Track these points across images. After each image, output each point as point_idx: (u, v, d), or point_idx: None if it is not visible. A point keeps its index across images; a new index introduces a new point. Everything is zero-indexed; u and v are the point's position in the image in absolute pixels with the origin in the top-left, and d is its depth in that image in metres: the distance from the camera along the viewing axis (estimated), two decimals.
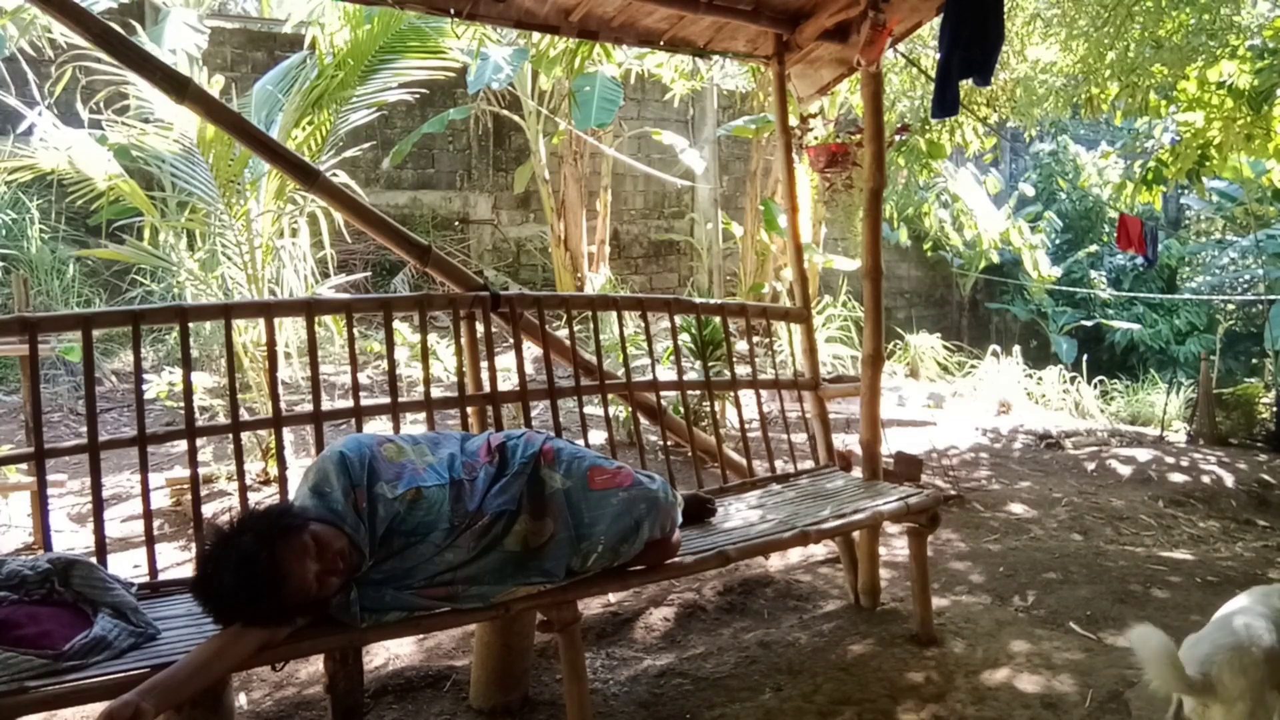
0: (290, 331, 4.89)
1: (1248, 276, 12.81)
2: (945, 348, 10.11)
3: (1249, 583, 2.94)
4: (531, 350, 3.47)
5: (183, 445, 2.92)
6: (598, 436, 5.13)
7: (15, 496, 4.22)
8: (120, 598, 1.97)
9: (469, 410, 2.85)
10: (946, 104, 3.14)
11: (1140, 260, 8.21)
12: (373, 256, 9.06)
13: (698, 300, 3.60)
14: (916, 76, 7.39)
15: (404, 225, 3.36)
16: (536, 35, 5.90)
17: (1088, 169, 14.19)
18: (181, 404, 2.55)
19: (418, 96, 5.11)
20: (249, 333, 4.66)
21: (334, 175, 3.74)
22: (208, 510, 4.05)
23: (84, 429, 2.35)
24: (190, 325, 2.45)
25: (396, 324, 3.68)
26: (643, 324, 3.29)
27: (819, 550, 3.76)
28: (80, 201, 4.88)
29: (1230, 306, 12.84)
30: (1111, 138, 13.99)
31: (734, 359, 3.70)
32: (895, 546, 3.90)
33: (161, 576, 2.35)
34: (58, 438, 5.59)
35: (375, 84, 4.77)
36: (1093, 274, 13.35)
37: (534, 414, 2.96)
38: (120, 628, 1.88)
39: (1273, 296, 11.65)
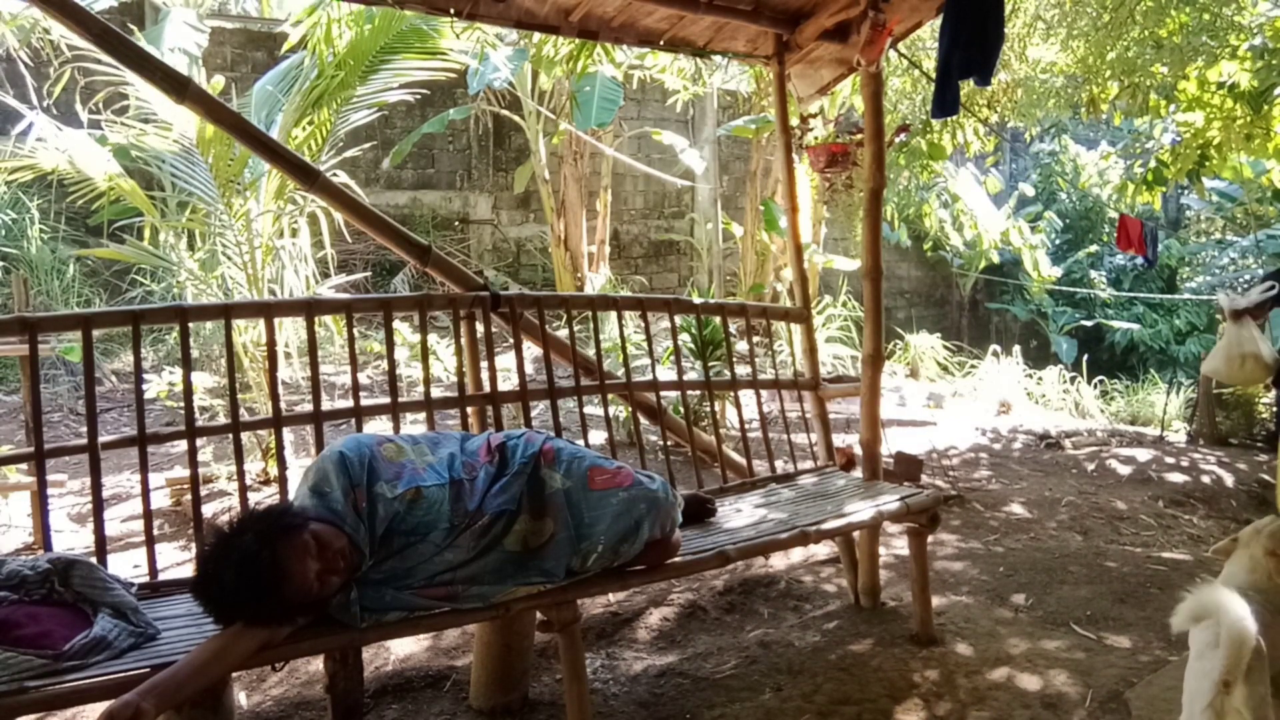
0: (290, 331, 4.89)
1: (1248, 276, 12.80)
2: (945, 348, 10.10)
3: None
4: (531, 350, 3.47)
5: (183, 445, 2.92)
6: (598, 436, 5.12)
7: (15, 496, 4.22)
8: (120, 598, 1.97)
9: (469, 410, 2.86)
10: (946, 104, 3.15)
11: (1140, 260, 8.21)
12: (373, 256, 9.06)
13: (698, 300, 3.60)
14: (917, 79, 7.39)
15: (404, 225, 3.36)
16: (537, 36, 5.90)
17: (1088, 169, 14.19)
18: (181, 404, 2.55)
19: (418, 96, 5.11)
20: (249, 333, 4.66)
21: (334, 175, 3.74)
22: (208, 510, 4.04)
23: (84, 429, 2.35)
24: (190, 325, 2.45)
25: (396, 324, 3.68)
26: (643, 324, 3.29)
27: (819, 550, 3.76)
28: (80, 201, 4.88)
29: None
30: (1112, 138, 13.98)
31: (734, 359, 3.70)
32: (895, 546, 3.90)
33: (161, 576, 2.35)
34: (58, 438, 5.59)
35: (375, 84, 4.77)
36: (1093, 274, 13.35)
37: (534, 414, 2.96)
38: (120, 628, 1.88)
39: None
